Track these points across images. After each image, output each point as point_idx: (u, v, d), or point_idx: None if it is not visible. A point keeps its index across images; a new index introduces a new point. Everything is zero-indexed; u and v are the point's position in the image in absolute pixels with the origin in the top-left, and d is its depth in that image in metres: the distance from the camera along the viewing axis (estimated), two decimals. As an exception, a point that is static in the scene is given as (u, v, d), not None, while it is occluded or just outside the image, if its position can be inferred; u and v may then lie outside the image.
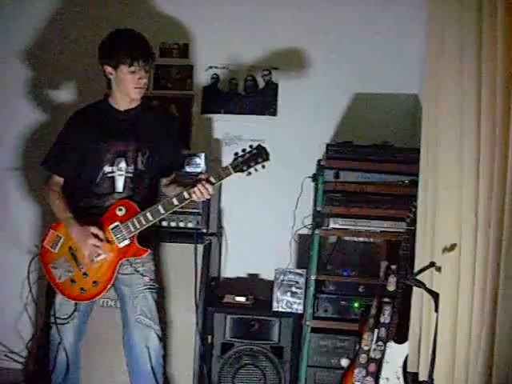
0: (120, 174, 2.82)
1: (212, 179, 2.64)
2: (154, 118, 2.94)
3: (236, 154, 2.62)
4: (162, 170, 2.95)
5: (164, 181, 3.00)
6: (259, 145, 2.62)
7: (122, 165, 2.82)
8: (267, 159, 2.61)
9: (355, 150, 3.29)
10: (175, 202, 2.68)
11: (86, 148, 2.81)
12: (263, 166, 2.61)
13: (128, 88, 2.78)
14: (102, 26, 3.31)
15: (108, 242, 2.74)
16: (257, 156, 2.60)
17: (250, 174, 2.62)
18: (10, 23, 3.78)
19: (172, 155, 2.96)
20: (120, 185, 2.82)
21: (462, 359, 2.38)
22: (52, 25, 3.79)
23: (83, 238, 2.71)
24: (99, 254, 2.74)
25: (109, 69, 2.78)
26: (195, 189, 2.62)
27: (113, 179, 2.81)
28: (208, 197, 2.65)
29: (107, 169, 2.80)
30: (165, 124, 2.96)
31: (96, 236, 2.71)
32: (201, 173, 2.73)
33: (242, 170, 2.61)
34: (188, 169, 3.33)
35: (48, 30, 3.78)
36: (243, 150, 2.61)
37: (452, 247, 2.48)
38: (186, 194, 2.67)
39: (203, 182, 2.61)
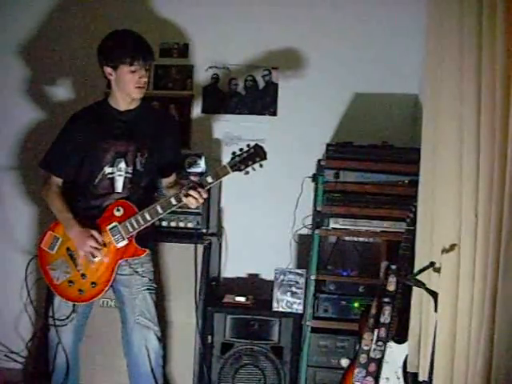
0: (119, 174, 2.81)
1: (209, 179, 2.63)
2: (154, 118, 2.94)
3: (233, 153, 2.62)
4: (161, 171, 2.95)
5: (164, 182, 3.00)
6: (256, 144, 2.62)
7: (122, 165, 2.81)
8: (265, 158, 2.61)
9: (355, 150, 3.29)
10: (173, 201, 2.68)
11: (85, 149, 2.81)
12: (261, 165, 2.61)
13: (129, 88, 2.77)
14: (101, 26, 3.33)
15: (105, 244, 2.74)
16: (254, 155, 2.60)
17: (247, 173, 2.61)
18: (8, 22, 3.78)
19: (172, 156, 2.96)
20: (119, 185, 2.82)
21: (461, 359, 2.37)
22: (51, 24, 3.78)
23: (81, 239, 2.71)
24: (95, 256, 2.73)
25: (108, 70, 2.77)
26: (189, 197, 2.59)
27: (112, 180, 2.81)
28: (202, 201, 2.63)
29: (108, 169, 2.80)
30: (164, 125, 2.96)
31: (95, 239, 2.70)
32: (201, 173, 2.72)
33: (239, 169, 2.60)
34: (188, 169, 3.33)
35: (47, 29, 3.78)
36: (241, 149, 2.61)
37: (452, 247, 2.48)
38: (182, 195, 2.66)
39: (197, 187, 2.59)
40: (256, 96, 3.74)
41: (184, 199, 2.62)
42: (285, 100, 3.72)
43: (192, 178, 2.66)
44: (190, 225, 3.32)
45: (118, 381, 3.11)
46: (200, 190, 2.60)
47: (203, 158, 3.41)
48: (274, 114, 3.73)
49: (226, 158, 3.66)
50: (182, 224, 3.32)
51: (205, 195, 2.62)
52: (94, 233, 2.71)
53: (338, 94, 3.66)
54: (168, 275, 3.24)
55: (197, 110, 3.78)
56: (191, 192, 2.59)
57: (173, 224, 3.32)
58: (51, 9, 3.78)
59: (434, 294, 2.44)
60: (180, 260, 3.25)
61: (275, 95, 3.72)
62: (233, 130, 3.74)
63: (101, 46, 2.80)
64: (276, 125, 3.71)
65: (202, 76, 3.78)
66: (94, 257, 2.73)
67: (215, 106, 3.77)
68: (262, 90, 3.74)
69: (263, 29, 3.68)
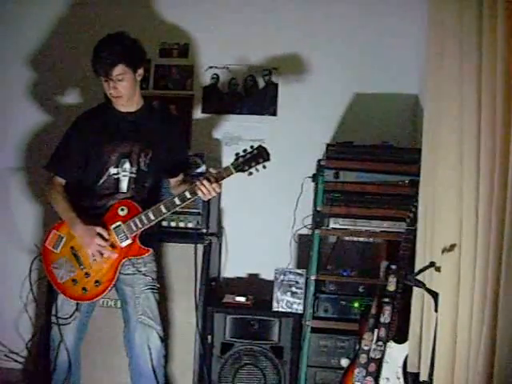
0: (124, 174, 2.83)
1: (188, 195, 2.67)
2: (158, 119, 2.95)
3: (237, 154, 2.64)
4: (167, 170, 2.97)
5: (172, 182, 3.01)
6: (260, 145, 2.64)
7: (126, 166, 2.83)
8: (268, 159, 2.63)
9: (355, 150, 3.29)
10: (177, 201, 2.69)
11: (90, 150, 2.82)
12: (264, 166, 2.64)
13: (108, 95, 2.81)
14: (103, 28, 3.31)
15: (112, 245, 2.75)
16: (258, 156, 2.61)
17: (251, 173, 2.64)
18: (13, 26, 3.80)
19: (178, 156, 2.98)
20: (124, 185, 2.83)
21: (462, 359, 2.37)
22: (55, 27, 3.80)
23: (88, 237, 2.72)
24: (102, 254, 2.74)
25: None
26: (202, 186, 2.61)
27: (117, 180, 2.83)
28: (215, 194, 2.66)
29: (113, 170, 2.82)
30: (168, 125, 2.97)
31: (101, 236, 2.71)
32: (208, 171, 2.74)
33: (243, 170, 2.62)
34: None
35: (51, 32, 3.80)
36: (244, 150, 2.63)
37: (452, 247, 2.48)
38: (187, 194, 2.68)
39: (211, 180, 2.62)
40: (256, 96, 3.75)
41: (198, 192, 2.63)
42: (285, 100, 3.72)
43: (212, 170, 2.67)
44: (190, 225, 3.32)
45: (119, 380, 3.11)
46: (214, 183, 2.61)
47: (203, 158, 3.41)
48: (274, 114, 3.73)
49: (226, 158, 3.67)
50: (182, 224, 3.32)
51: (218, 189, 2.63)
52: (100, 230, 2.72)
53: (337, 94, 3.67)
54: (168, 275, 3.24)
55: (197, 110, 3.79)
56: (204, 182, 2.61)
57: (173, 224, 3.31)
58: (56, 14, 3.80)
59: (434, 294, 2.44)
60: (180, 260, 3.25)
61: (275, 95, 3.73)
62: (233, 130, 3.74)
63: None
64: (276, 125, 3.71)
65: (202, 76, 3.78)
66: (102, 255, 2.74)
67: (215, 106, 3.78)
68: (262, 89, 3.74)
69: (263, 29, 3.70)
